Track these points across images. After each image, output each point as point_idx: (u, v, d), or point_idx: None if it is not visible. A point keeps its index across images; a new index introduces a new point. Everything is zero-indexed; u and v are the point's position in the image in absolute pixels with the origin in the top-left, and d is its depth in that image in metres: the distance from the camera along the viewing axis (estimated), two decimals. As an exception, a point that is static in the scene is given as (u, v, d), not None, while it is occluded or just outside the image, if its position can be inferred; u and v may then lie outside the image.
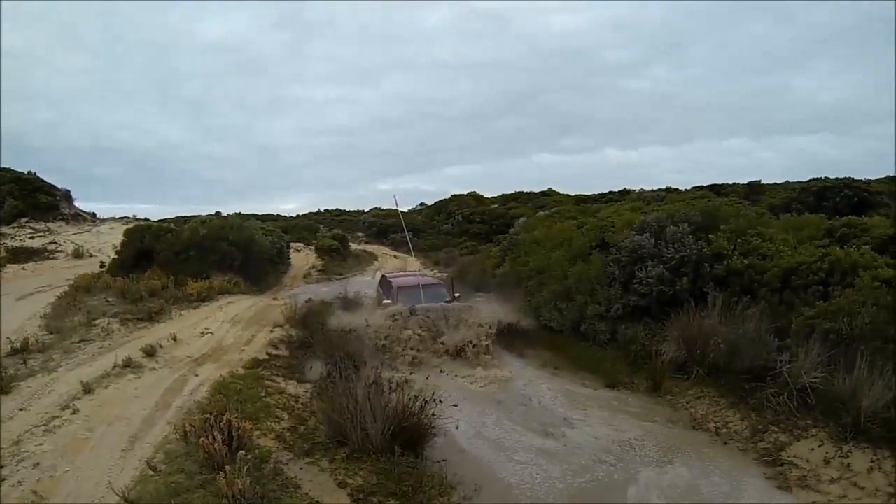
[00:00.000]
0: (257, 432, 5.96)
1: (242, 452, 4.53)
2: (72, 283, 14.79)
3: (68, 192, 32.23)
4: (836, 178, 24.38)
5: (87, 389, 7.53)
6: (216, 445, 4.48)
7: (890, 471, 5.36)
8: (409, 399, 6.36)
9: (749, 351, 7.61)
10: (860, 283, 7.45)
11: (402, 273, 16.86)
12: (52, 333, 10.59)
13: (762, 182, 30.87)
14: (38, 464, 5.56)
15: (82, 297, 13.45)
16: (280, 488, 4.92)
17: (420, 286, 12.83)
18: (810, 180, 25.96)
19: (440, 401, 6.52)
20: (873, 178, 28.24)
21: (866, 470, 5.44)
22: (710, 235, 9.77)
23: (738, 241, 9.50)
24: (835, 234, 9.86)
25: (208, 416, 5.04)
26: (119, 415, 6.84)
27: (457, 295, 12.88)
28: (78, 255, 21.46)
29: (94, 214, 34.50)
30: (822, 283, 8.04)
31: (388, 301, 12.20)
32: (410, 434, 6.17)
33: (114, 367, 8.46)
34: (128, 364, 8.56)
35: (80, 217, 31.29)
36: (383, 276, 15.05)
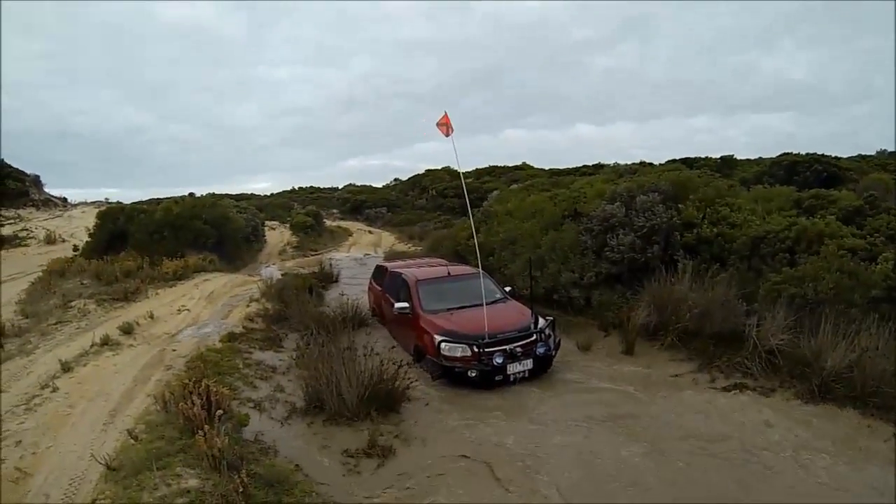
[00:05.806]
0: (236, 401, 6.05)
1: (220, 411, 4.60)
2: (45, 268, 14.61)
3: (38, 177, 31.74)
4: (807, 154, 24.81)
5: (66, 368, 7.57)
6: (195, 410, 4.55)
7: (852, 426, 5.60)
8: (382, 364, 6.47)
9: (718, 315, 7.78)
10: (825, 251, 7.68)
11: (408, 262, 11.63)
12: (27, 318, 10.53)
13: (735, 157, 31.35)
14: (20, 441, 5.63)
15: (57, 281, 13.31)
16: (259, 452, 5.03)
17: (451, 276, 9.17)
18: (781, 155, 26.40)
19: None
20: (843, 155, 28.89)
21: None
22: (679, 205, 9.93)
23: (708, 210, 9.67)
24: (802, 206, 10.09)
25: (186, 382, 5.09)
26: (99, 390, 6.90)
27: (508, 289, 9.39)
28: (50, 240, 21.20)
29: (65, 199, 34.04)
30: (789, 251, 8.25)
31: (405, 305, 8.37)
32: (385, 398, 6.30)
33: (92, 345, 8.49)
34: (106, 342, 8.59)
35: (50, 202, 30.82)
36: (384, 268, 10.69)
